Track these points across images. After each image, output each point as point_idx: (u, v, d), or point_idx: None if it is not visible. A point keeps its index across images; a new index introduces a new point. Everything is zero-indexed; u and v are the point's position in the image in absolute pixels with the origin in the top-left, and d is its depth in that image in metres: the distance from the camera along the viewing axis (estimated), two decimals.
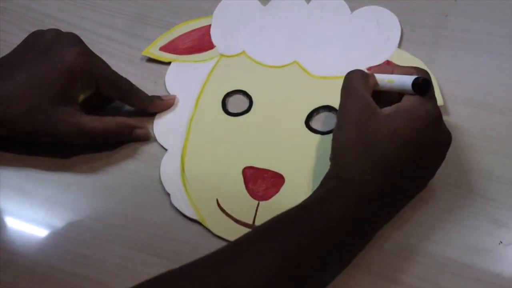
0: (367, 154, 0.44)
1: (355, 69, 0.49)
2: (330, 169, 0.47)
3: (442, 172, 0.48)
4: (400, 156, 0.44)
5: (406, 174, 0.45)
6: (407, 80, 0.46)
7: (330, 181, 0.46)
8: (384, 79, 0.48)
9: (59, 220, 0.51)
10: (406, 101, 0.46)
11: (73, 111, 0.52)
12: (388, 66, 0.51)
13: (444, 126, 0.47)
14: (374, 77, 0.49)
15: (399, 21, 0.60)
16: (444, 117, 0.47)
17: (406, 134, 0.44)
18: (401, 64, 0.56)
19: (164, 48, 0.61)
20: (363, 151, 0.44)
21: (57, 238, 0.51)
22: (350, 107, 0.46)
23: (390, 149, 0.44)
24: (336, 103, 0.55)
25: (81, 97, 0.53)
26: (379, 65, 0.56)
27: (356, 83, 0.47)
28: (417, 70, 0.48)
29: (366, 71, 0.50)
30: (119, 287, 0.48)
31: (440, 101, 0.54)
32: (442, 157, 0.47)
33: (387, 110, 0.46)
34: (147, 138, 0.55)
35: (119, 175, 0.53)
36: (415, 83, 0.45)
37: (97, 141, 0.54)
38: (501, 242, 0.48)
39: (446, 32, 0.60)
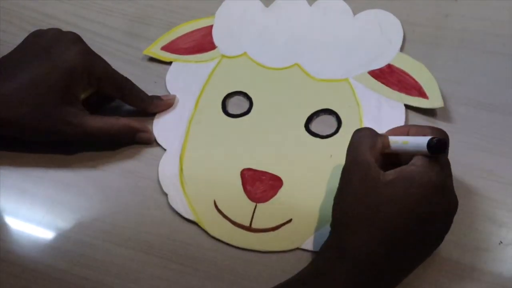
0: (367, 225, 0.43)
1: (365, 127, 0.47)
2: (330, 238, 0.46)
3: None
4: (400, 226, 0.42)
5: (408, 245, 0.43)
6: (422, 141, 0.43)
7: (329, 251, 0.45)
8: (399, 141, 0.46)
9: (59, 220, 0.51)
10: (411, 164, 0.43)
11: (76, 111, 0.52)
12: (403, 126, 0.48)
13: (450, 194, 0.44)
14: (386, 138, 0.46)
15: (400, 22, 0.60)
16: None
17: (405, 203, 0.42)
18: (402, 68, 0.57)
19: (165, 48, 0.61)
20: (363, 222, 0.43)
21: (57, 238, 0.51)
22: (352, 175, 0.44)
23: (390, 219, 0.42)
24: (336, 106, 0.55)
25: (82, 96, 0.53)
26: (394, 128, 0.49)
27: (363, 145, 0.45)
28: (433, 129, 0.46)
29: (379, 132, 0.47)
30: (119, 287, 0.48)
31: (440, 102, 0.54)
32: (447, 225, 0.45)
33: (390, 175, 0.43)
34: (150, 142, 0.55)
35: (119, 175, 0.53)
36: (430, 144, 0.42)
37: (99, 140, 0.54)
38: (501, 242, 0.48)
39: (446, 32, 0.60)
